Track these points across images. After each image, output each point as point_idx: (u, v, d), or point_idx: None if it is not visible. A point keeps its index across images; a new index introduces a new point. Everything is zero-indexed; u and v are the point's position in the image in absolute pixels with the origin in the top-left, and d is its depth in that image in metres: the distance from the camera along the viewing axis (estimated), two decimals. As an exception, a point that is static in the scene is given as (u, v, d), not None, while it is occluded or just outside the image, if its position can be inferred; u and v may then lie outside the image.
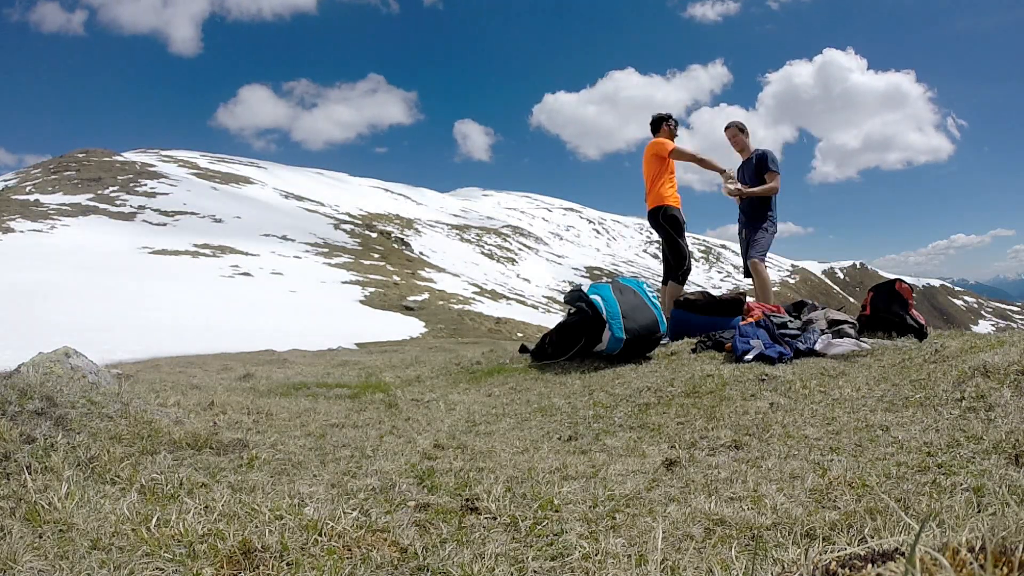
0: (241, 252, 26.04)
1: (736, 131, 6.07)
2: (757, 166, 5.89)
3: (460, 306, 21.74)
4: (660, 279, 6.11)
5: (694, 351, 4.40)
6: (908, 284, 4.64)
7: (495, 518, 1.61)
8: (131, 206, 34.18)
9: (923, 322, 4.54)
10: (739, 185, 5.84)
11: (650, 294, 4.78)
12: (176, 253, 24.48)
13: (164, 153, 64.14)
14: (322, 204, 49.64)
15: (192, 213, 33.85)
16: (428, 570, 1.33)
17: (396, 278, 25.95)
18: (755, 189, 5.84)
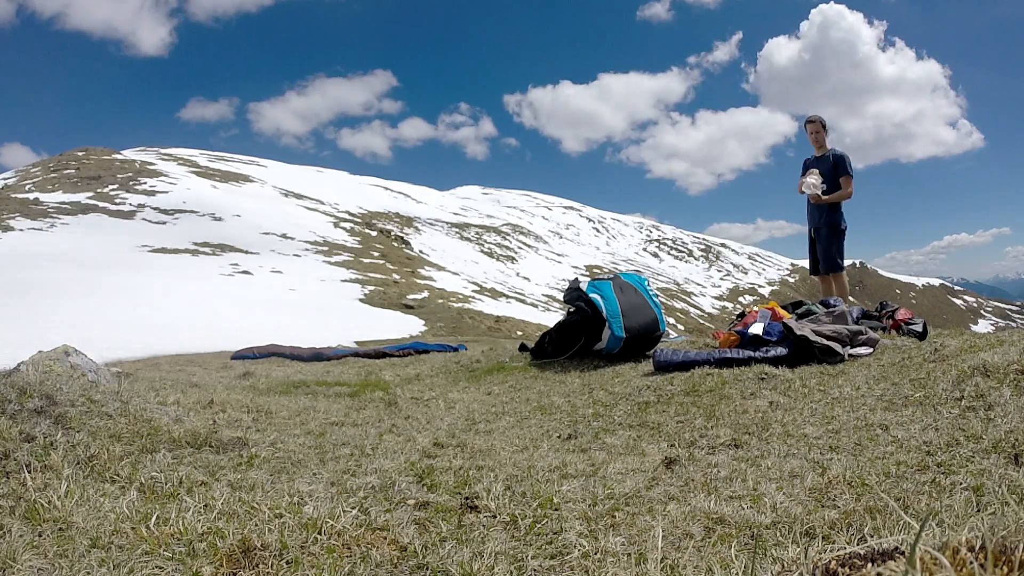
0: (241, 250, 26.02)
1: (819, 127, 6.20)
2: (834, 168, 5.98)
3: (460, 304, 21.73)
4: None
5: (694, 350, 4.40)
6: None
7: (495, 516, 1.61)
8: (130, 204, 34.15)
9: (923, 322, 4.54)
10: (819, 191, 5.95)
11: (651, 292, 4.77)
12: (176, 251, 24.47)
13: (163, 151, 64.06)
14: (322, 202, 49.59)
15: (192, 211, 33.80)
16: (428, 568, 1.33)
17: (396, 276, 25.94)
18: (833, 196, 5.95)
